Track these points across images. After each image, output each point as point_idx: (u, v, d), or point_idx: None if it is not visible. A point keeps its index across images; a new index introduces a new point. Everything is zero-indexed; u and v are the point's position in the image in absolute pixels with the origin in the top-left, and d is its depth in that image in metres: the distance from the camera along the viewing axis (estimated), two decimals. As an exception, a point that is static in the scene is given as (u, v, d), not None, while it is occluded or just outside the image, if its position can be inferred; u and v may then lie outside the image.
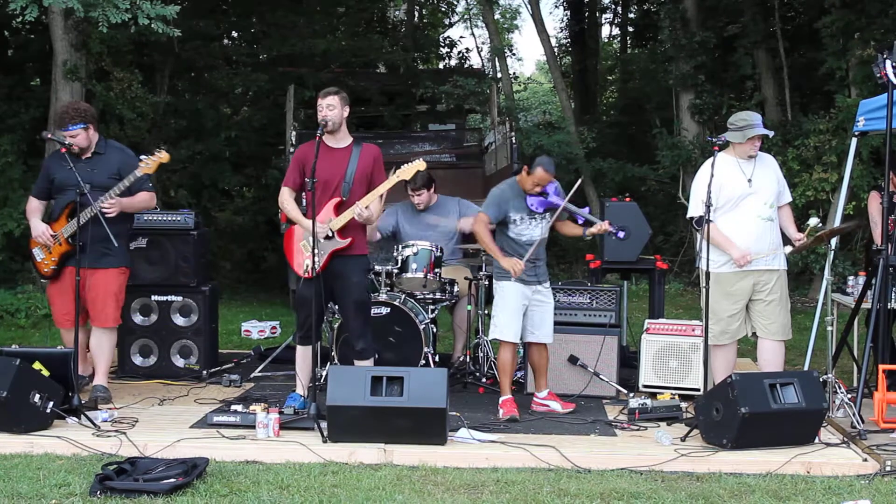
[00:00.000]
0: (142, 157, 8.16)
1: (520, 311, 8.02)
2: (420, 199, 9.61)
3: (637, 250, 9.66)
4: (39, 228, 8.14)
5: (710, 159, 7.70)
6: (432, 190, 9.71)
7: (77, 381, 7.55)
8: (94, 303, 8.21)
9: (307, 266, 7.56)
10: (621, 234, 8.07)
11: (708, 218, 7.47)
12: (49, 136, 8.07)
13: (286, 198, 7.93)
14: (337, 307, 8.41)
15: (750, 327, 7.99)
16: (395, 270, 9.11)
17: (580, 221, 8.14)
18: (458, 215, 9.70)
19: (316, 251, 7.50)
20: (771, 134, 8.04)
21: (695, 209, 7.96)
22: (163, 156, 8.20)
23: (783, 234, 8.01)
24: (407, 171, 7.92)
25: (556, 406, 8.12)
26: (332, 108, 7.71)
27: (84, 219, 7.93)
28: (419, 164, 8.01)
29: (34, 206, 8.32)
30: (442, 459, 6.63)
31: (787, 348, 8.19)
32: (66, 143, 7.97)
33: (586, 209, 8.43)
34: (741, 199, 7.78)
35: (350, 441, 6.80)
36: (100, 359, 8.35)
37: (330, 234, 7.68)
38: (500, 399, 7.98)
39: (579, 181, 8.28)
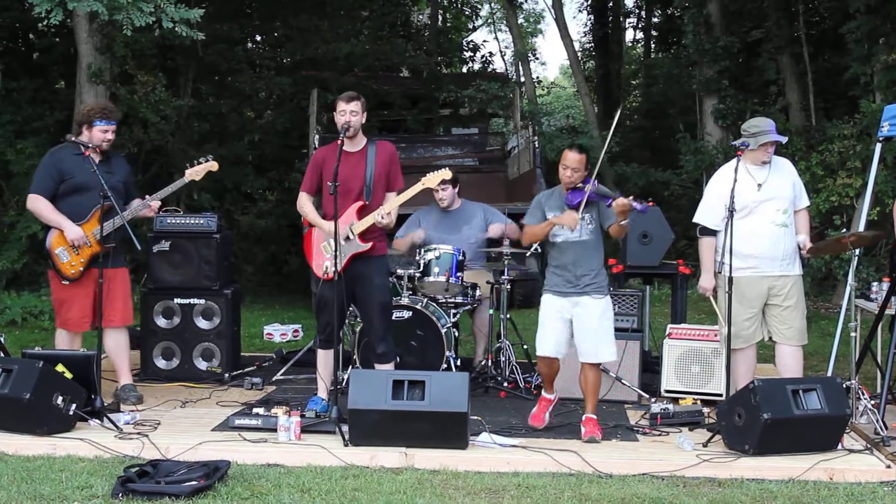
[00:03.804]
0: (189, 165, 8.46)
1: (556, 323, 7.52)
2: (445, 193, 9.58)
3: (660, 255, 9.62)
4: (77, 231, 8.08)
5: (726, 165, 7.70)
6: (456, 189, 9.69)
7: (100, 383, 7.58)
8: (116, 302, 8.27)
9: (326, 268, 7.58)
10: (638, 206, 7.56)
11: (730, 222, 7.43)
12: (73, 139, 8.08)
13: (304, 202, 7.94)
14: (358, 310, 8.40)
15: (767, 332, 7.95)
16: (417, 274, 9.11)
17: (608, 203, 7.36)
18: (484, 222, 9.67)
19: (337, 253, 7.51)
20: (784, 140, 7.97)
21: (700, 216, 8.01)
22: (211, 164, 8.34)
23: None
24: (432, 180, 7.95)
25: (584, 433, 7.44)
26: (355, 113, 7.69)
27: (115, 224, 8.02)
28: (444, 173, 8.06)
29: (50, 205, 8.19)
30: (463, 464, 6.62)
31: (811, 354, 8.16)
32: (102, 145, 8.04)
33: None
34: (755, 206, 7.74)
35: (371, 445, 6.79)
36: (124, 359, 8.44)
37: (350, 237, 7.70)
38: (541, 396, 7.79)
39: (600, 160, 7.65)
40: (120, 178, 8.27)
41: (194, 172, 8.39)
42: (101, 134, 8.12)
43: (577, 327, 7.51)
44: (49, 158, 8.34)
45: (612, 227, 7.39)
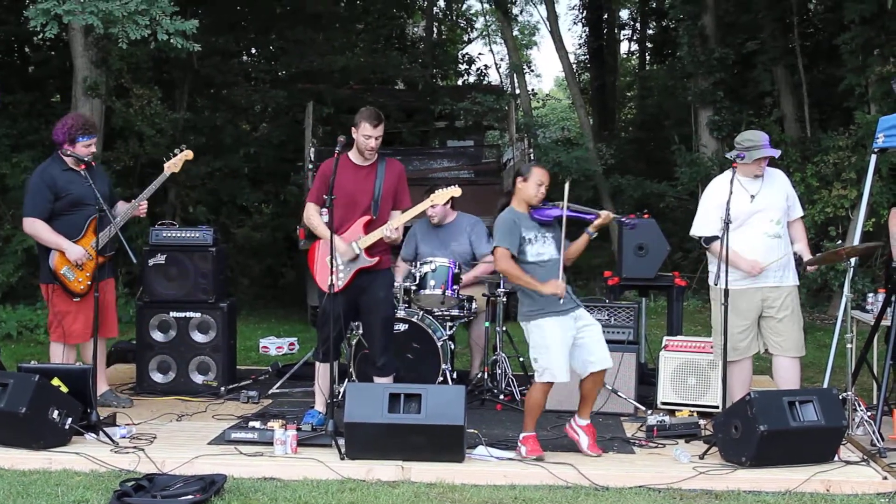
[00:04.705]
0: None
1: (567, 345, 7.22)
2: (434, 210, 9.55)
3: (655, 267, 9.63)
4: (79, 250, 8.13)
5: (719, 177, 7.73)
6: (448, 206, 9.66)
7: (96, 397, 7.58)
8: (107, 312, 8.33)
9: (332, 282, 7.57)
10: (625, 220, 7.61)
11: (726, 234, 7.43)
12: (70, 151, 8.08)
13: (312, 213, 7.90)
14: (359, 323, 8.38)
15: (762, 344, 7.95)
16: (413, 287, 9.10)
17: (591, 218, 7.36)
18: (468, 238, 9.64)
19: (337, 268, 7.51)
20: (777, 154, 7.97)
21: (698, 228, 8.00)
22: (187, 154, 8.43)
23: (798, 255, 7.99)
24: (441, 196, 8.02)
25: (585, 442, 7.37)
26: (378, 138, 7.71)
27: (109, 234, 8.11)
28: (454, 191, 8.10)
29: (48, 227, 8.19)
30: (459, 477, 6.62)
31: (807, 366, 8.16)
32: (86, 158, 8.05)
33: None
34: (747, 218, 7.75)
35: (368, 458, 6.80)
36: (104, 368, 8.52)
37: (357, 252, 7.70)
38: (522, 436, 7.22)
39: (567, 184, 7.35)
40: (106, 187, 8.29)
41: (172, 164, 8.45)
42: (84, 149, 8.15)
43: (587, 339, 7.30)
44: (40, 178, 8.30)
45: (573, 247, 7.37)
